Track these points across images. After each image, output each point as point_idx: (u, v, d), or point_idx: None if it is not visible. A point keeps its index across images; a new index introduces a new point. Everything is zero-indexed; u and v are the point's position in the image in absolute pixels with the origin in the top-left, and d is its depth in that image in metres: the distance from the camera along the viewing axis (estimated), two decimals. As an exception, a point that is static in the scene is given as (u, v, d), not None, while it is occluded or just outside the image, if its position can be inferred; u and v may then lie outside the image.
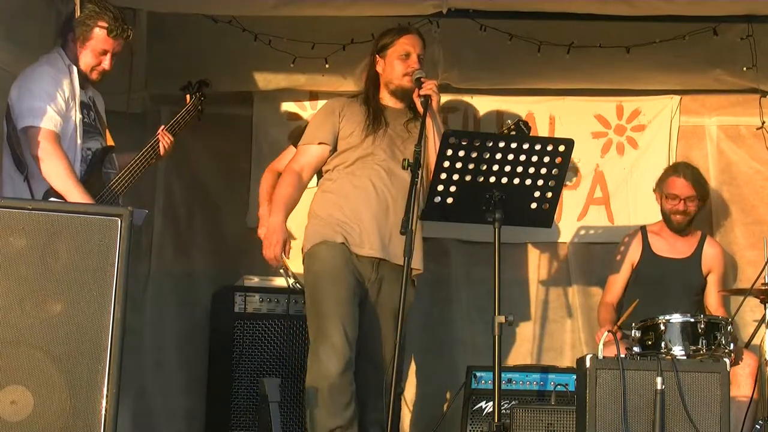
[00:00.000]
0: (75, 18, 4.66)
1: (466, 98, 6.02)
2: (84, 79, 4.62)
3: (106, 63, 4.62)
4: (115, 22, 4.58)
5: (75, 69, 4.57)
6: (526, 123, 5.36)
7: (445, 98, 5.52)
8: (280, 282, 5.52)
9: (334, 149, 4.73)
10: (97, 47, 4.59)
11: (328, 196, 4.68)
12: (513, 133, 5.31)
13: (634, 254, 5.59)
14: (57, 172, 4.32)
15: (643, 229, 5.64)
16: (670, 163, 5.77)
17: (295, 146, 4.93)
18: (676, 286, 5.47)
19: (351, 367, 4.41)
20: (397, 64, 4.74)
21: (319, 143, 4.73)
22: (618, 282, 5.59)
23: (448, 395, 5.72)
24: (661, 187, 5.55)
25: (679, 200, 5.46)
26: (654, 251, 5.56)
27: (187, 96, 5.17)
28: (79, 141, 4.53)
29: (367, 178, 4.65)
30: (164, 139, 4.85)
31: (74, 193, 4.31)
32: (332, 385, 4.33)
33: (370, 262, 4.60)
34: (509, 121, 5.36)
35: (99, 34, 4.59)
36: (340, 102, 4.81)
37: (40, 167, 4.34)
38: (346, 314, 4.43)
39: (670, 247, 5.55)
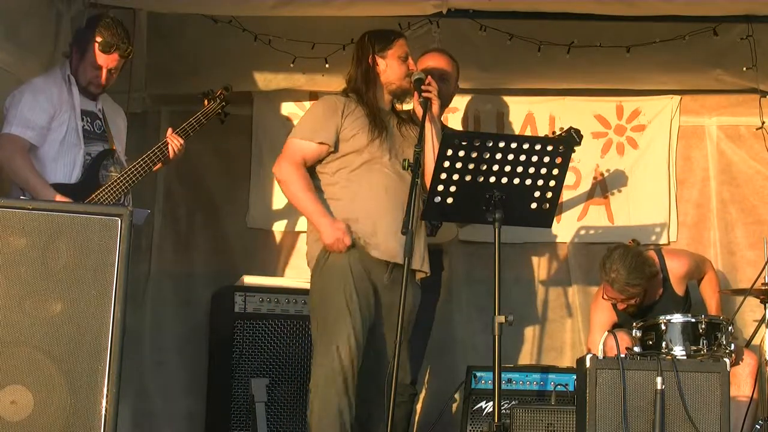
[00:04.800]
0: (78, 31, 4.72)
1: (467, 98, 6.02)
2: (86, 90, 4.72)
3: (102, 78, 4.68)
4: (112, 38, 4.63)
5: (74, 79, 4.67)
6: (578, 131, 5.33)
7: (444, 98, 5.52)
8: (280, 282, 5.53)
9: (334, 150, 4.56)
10: (92, 62, 4.65)
11: (336, 203, 4.52)
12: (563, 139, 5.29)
13: (611, 317, 5.33)
14: (12, 170, 4.46)
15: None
16: (610, 249, 5.18)
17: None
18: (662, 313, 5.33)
19: (353, 386, 4.32)
20: (398, 66, 4.67)
21: (320, 143, 4.54)
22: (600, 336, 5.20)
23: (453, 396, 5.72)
24: (600, 276, 5.22)
25: (616, 301, 5.20)
26: (626, 313, 5.26)
27: (206, 100, 5.14)
28: (79, 145, 4.62)
29: (378, 183, 4.51)
30: (174, 142, 4.84)
31: (36, 187, 4.42)
32: (337, 409, 4.30)
33: (384, 265, 4.47)
34: (561, 126, 5.33)
35: (94, 48, 4.64)
36: (341, 100, 4.63)
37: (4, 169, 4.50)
38: (351, 331, 4.32)
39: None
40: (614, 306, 5.29)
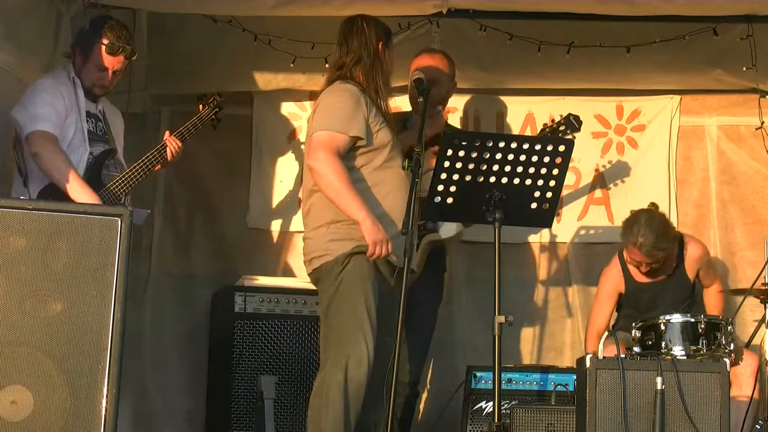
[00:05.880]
0: (81, 33, 4.73)
1: (466, 98, 6.02)
2: (90, 92, 4.72)
3: (106, 80, 4.70)
4: (117, 41, 4.65)
5: (79, 81, 4.68)
6: (577, 117, 5.31)
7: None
8: (279, 282, 5.53)
9: (366, 143, 4.38)
10: (97, 64, 4.67)
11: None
12: (562, 126, 5.29)
13: (618, 286, 5.48)
14: (57, 168, 4.41)
15: (620, 257, 5.46)
16: (634, 213, 5.33)
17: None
18: (666, 303, 5.38)
19: (362, 396, 4.24)
20: (395, 63, 4.64)
21: (353, 136, 4.33)
22: (604, 314, 5.49)
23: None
24: (623, 240, 5.32)
25: (639, 263, 5.30)
26: (636, 280, 5.44)
27: (200, 105, 5.18)
28: (84, 146, 4.62)
29: (396, 183, 4.43)
30: (172, 144, 4.87)
31: (75, 186, 4.38)
32: (343, 421, 4.21)
33: (392, 269, 4.40)
34: (560, 114, 5.34)
35: (99, 50, 4.66)
36: (359, 90, 4.41)
37: (39, 165, 4.44)
38: (367, 343, 4.25)
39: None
40: (625, 275, 5.41)
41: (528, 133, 5.97)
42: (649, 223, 5.19)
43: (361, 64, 4.48)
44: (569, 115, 5.31)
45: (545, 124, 5.45)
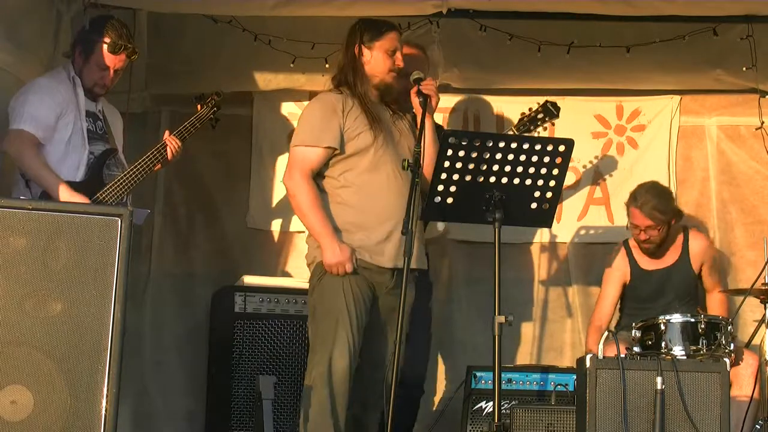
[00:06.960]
0: (81, 32, 4.73)
1: (466, 98, 6.02)
2: (91, 91, 4.74)
3: (107, 78, 4.73)
4: (119, 39, 4.67)
5: (79, 80, 4.70)
6: (554, 104, 5.37)
7: (445, 98, 5.52)
8: (279, 282, 5.53)
9: (340, 152, 4.47)
10: (99, 63, 4.68)
11: (346, 208, 4.44)
12: (540, 114, 5.36)
13: (623, 274, 5.53)
14: (28, 168, 4.48)
15: (625, 244, 5.55)
16: (640, 183, 5.50)
17: None
18: (670, 294, 5.44)
19: (348, 389, 4.32)
20: (384, 59, 4.58)
21: (326, 147, 4.45)
22: (608, 304, 5.54)
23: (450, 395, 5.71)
24: (627, 207, 5.43)
25: (639, 230, 5.36)
26: (641, 267, 5.50)
27: (198, 105, 5.20)
28: (84, 146, 4.65)
29: (387, 186, 4.45)
30: (172, 144, 4.89)
31: (49, 182, 4.44)
32: (330, 412, 4.29)
33: (389, 271, 4.44)
34: (537, 101, 5.35)
35: (101, 49, 4.68)
36: (337, 98, 4.50)
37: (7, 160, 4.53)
38: (347, 340, 4.31)
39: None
40: (631, 262, 5.48)
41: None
42: (653, 188, 5.39)
43: (347, 69, 4.61)
44: (546, 101, 5.37)
45: (523, 113, 5.47)
